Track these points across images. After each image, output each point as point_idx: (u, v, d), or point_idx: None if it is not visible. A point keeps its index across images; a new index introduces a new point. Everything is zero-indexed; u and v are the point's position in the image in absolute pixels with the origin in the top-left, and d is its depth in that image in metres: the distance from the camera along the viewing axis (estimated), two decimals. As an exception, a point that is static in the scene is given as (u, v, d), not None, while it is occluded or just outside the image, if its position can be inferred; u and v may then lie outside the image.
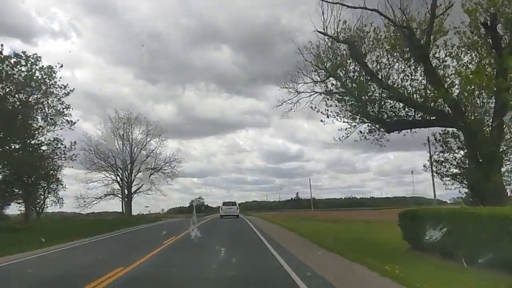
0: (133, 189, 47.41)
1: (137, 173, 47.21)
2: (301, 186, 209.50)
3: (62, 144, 29.50)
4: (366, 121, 14.59)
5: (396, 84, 13.96)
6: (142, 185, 47.53)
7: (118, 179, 46.60)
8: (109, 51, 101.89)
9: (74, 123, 29.13)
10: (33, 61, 26.82)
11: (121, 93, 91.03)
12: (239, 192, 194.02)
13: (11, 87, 26.13)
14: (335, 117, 14.48)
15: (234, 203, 38.23)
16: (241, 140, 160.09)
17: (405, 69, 13.85)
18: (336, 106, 14.76)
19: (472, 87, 11.61)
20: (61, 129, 28.94)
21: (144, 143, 46.39)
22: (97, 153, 44.21)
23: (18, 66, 26.23)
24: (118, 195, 45.86)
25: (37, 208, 45.47)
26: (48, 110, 28.15)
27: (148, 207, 55.47)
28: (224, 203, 37.51)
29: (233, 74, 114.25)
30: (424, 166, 33.02)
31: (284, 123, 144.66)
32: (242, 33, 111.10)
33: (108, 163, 44.66)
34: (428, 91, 13.40)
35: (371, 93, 14.47)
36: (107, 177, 45.38)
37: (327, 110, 14.65)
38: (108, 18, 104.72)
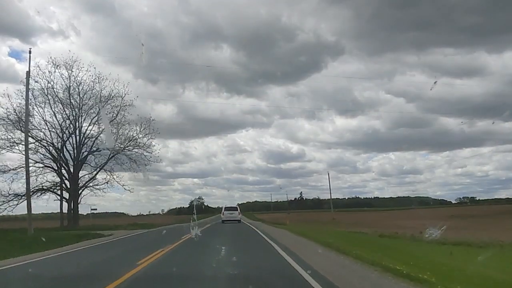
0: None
1: (87, 156, 31.89)
2: (301, 186, 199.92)
3: None
4: None
5: None
6: (94, 175, 32.40)
7: (61, 168, 31.39)
8: (108, 50, 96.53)
9: None
10: None
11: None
12: (240, 193, 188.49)
13: None
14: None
15: (235, 208, 38.19)
16: (242, 140, 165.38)
17: None
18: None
19: None
20: None
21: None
22: (19, 122, 28.84)
23: None
24: (55, 191, 30.60)
25: None
26: None
27: (95, 209, 40.40)
28: (226, 208, 37.79)
29: (233, 73, 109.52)
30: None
31: (285, 123, 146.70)
32: (242, 32, 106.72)
33: (37, 138, 29.28)
34: None
35: None
36: (37, 162, 30.02)
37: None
38: (106, 16, 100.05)
